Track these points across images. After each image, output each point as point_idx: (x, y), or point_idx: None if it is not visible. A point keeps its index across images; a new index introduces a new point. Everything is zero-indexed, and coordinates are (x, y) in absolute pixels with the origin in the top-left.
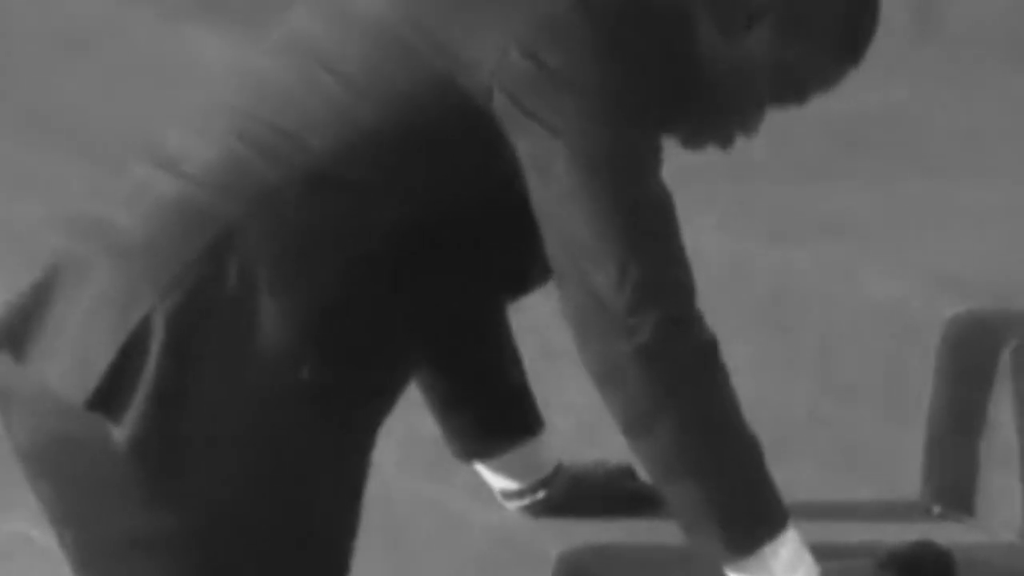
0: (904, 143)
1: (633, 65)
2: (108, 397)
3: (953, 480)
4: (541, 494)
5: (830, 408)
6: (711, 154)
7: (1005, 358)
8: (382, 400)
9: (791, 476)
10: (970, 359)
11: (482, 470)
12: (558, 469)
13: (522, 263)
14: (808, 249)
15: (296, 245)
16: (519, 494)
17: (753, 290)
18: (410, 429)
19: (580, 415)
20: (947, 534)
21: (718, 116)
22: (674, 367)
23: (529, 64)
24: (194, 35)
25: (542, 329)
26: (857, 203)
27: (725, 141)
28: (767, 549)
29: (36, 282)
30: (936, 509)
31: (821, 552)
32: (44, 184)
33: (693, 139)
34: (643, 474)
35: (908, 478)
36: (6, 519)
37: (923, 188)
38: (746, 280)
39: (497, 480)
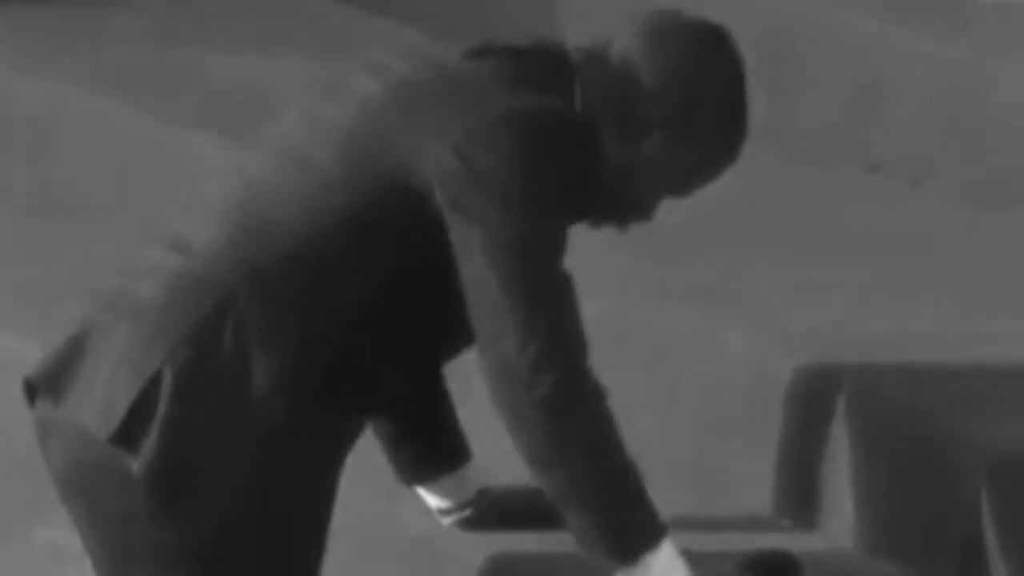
0: (759, 225)
1: (547, 168)
2: (127, 433)
3: (798, 499)
4: (468, 511)
5: (701, 441)
6: (607, 233)
7: (840, 401)
8: (347, 435)
9: (669, 496)
10: (813, 402)
11: (421, 492)
12: (482, 491)
13: (462, 328)
14: (683, 312)
15: (279, 311)
16: (451, 511)
17: (639, 346)
18: (362, 456)
19: (499, 447)
20: (795, 543)
21: (619, 207)
22: (565, 416)
23: (460, 164)
24: (193, 139)
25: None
26: (722, 275)
27: (624, 225)
28: (648, 557)
29: (69, 339)
30: (785, 522)
31: (692, 558)
32: (69, 256)
33: (598, 223)
34: None
35: (762, 497)
36: (41, 528)
37: (772, 263)
38: (632, 338)
39: (433, 500)
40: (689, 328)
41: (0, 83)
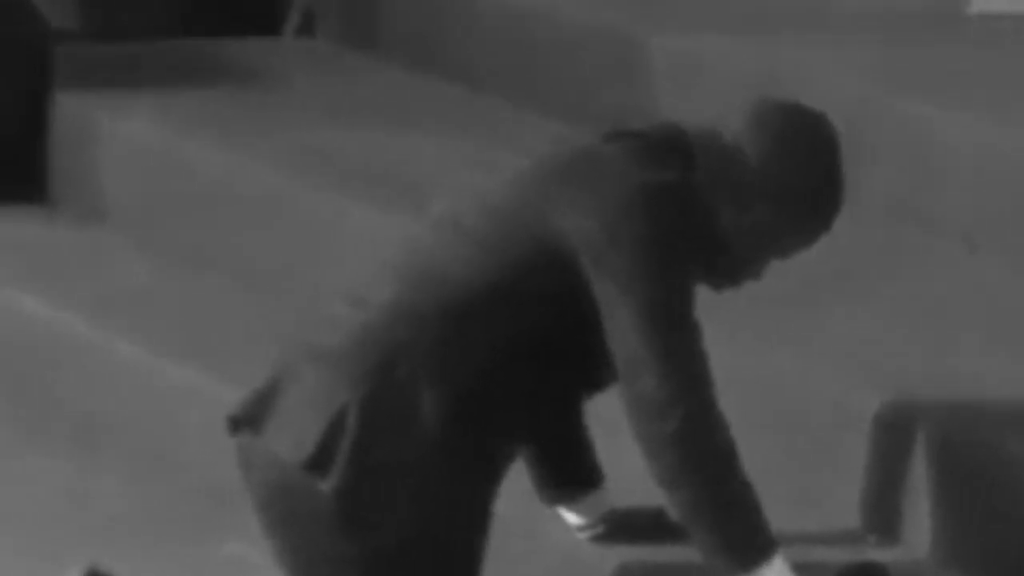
0: (835, 278)
1: (674, 232)
2: (318, 460)
3: (882, 517)
4: (602, 527)
5: (794, 467)
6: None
7: (918, 431)
8: (501, 460)
9: (770, 515)
10: (893, 432)
11: (561, 510)
12: (614, 510)
13: (598, 369)
14: (777, 354)
15: (442, 355)
16: (586, 527)
17: (742, 384)
18: (508, 478)
19: (628, 472)
20: (880, 556)
21: (732, 267)
22: (693, 445)
23: (601, 230)
24: (354, 207)
25: (607, 412)
26: (808, 321)
27: (737, 283)
28: (763, 567)
29: (266, 380)
30: (871, 538)
31: (798, 568)
32: (239, 310)
33: (717, 284)
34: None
35: (851, 516)
36: (226, 541)
37: (849, 312)
38: (735, 377)
39: (571, 517)
40: (782, 370)
41: (181, 156)
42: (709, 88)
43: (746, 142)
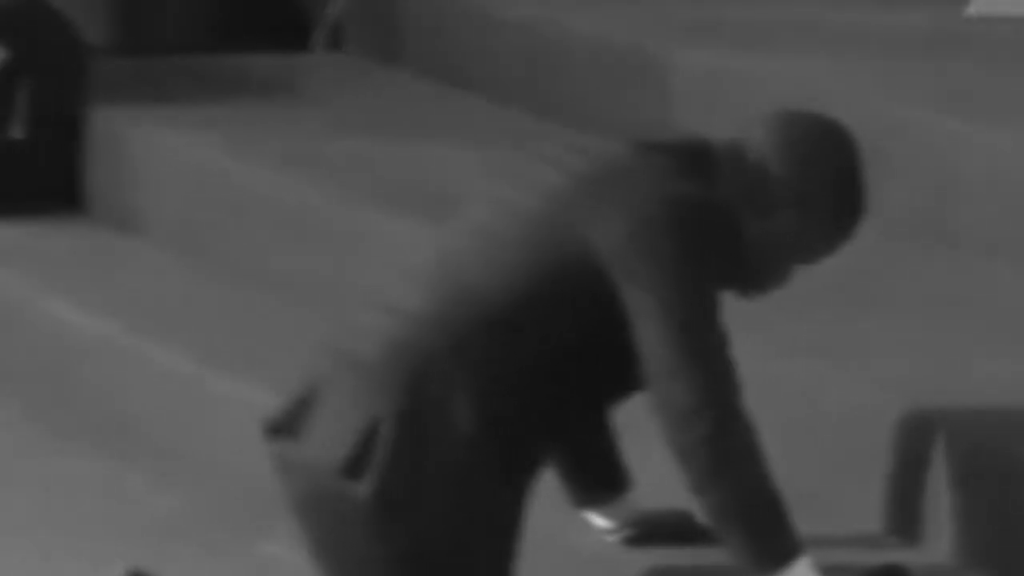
0: (858, 289)
1: (701, 242)
2: (353, 465)
3: (903, 520)
4: (629, 531)
5: (818, 473)
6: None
7: (938, 437)
8: (531, 466)
9: (795, 518)
10: (914, 438)
11: (589, 514)
12: (642, 513)
13: (629, 375)
14: (800, 362)
15: (475, 363)
16: (615, 531)
17: (766, 391)
18: (538, 484)
19: (656, 476)
20: (901, 557)
21: (757, 275)
22: (721, 449)
23: (630, 241)
24: (384, 218)
25: (636, 418)
26: (830, 331)
27: (762, 291)
28: (790, 568)
29: (302, 388)
30: (893, 540)
31: (823, 569)
32: (274, 319)
33: (742, 291)
34: (700, 517)
35: (872, 519)
36: (261, 542)
37: (871, 322)
38: (759, 384)
39: (600, 521)
40: (806, 376)
41: (213, 168)
42: (729, 103)
43: (769, 153)
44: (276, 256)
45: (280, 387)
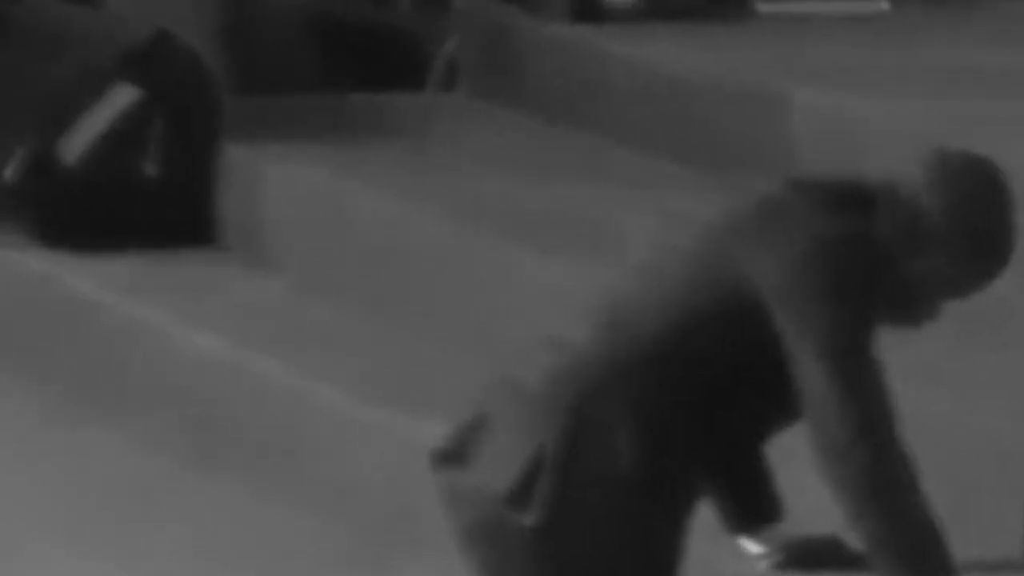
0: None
1: (857, 280)
2: (520, 494)
3: None
4: (781, 556)
5: (957, 499)
6: None
7: None
8: (694, 494)
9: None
10: None
11: (743, 540)
12: (791, 539)
13: (786, 406)
14: (926, 392)
15: (636, 397)
16: (767, 556)
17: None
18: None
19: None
20: None
21: (910, 310)
22: (876, 482)
23: (788, 278)
24: (514, 252)
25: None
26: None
27: (917, 325)
28: None
29: (470, 418)
30: None
31: None
32: (410, 349)
33: (896, 325)
34: (851, 543)
35: (1016, 547)
36: (406, 571)
37: (987, 350)
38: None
39: (752, 546)
40: (947, 405)
41: (342, 203)
42: (848, 144)
43: (925, 192)
44: (410, 290)
45: (422, 416)
